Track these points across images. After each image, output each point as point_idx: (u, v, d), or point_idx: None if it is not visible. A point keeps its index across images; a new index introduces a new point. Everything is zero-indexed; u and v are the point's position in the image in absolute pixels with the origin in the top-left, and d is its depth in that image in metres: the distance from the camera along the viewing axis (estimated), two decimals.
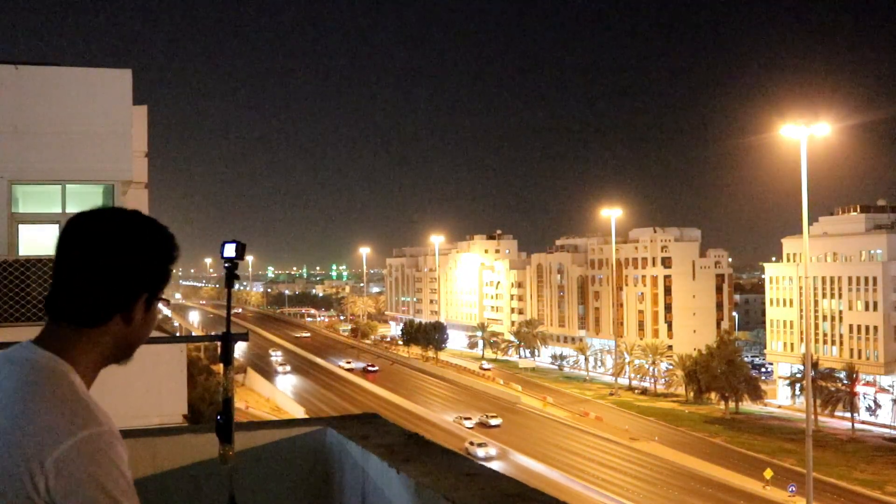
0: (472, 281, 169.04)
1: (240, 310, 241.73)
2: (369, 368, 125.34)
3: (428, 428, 77.74)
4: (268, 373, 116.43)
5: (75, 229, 1.93)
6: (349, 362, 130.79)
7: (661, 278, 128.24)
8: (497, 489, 3.10)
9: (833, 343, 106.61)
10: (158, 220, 2.04)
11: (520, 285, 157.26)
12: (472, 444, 71.18)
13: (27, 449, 1.68)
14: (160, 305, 2.06)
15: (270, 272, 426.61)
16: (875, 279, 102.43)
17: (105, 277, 1.90)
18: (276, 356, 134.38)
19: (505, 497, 3.01)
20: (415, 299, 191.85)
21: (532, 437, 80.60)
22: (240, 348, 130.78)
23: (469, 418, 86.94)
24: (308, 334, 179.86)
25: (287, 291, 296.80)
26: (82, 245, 1.90)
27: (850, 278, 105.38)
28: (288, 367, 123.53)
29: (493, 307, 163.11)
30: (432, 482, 3.20)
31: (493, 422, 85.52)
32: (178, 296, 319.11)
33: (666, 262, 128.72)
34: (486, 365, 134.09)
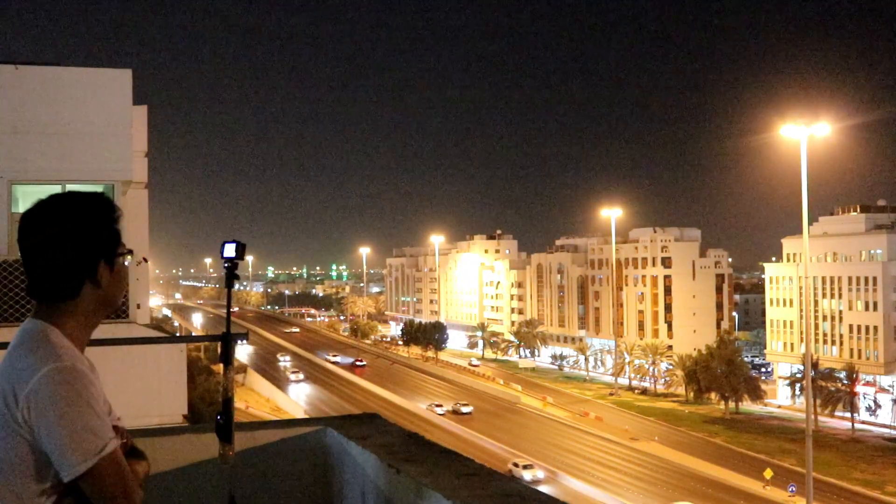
0: (472, 281, 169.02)
1: (236, 308, 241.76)
2: (357, 363, 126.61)
3: (428, 428, 77.72)
4: (278, 380, 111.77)
5: (23, 226, 2.24)
6: (335, 355, 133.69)
7: (661, 278, 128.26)
8: (497, 489, 3.10)
9: (833, 343, 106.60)
10: (112, 202, 2.33)
11: (520, 285, 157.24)
12: (516, 465, 65.97)
13: (7, 389, 2.11)
14: (126, 261, 2.35)
15: (270, 272, 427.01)
16: (875, 279, 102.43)
17: (59, 260, 2.22)
18: (285, 361, 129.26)
19: (505, 497, 3.01)
20: (415, 299, 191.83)
21: (532, 437, 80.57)
22: (245, 353, 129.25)
23: (441, 405, 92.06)
24: (297, 330, 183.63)
25: (287, 291, 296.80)
26: (31, 237, 2.23)
27: (850, 278, 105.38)
28: (301, 375, 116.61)
29: (493, 307, 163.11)
30: (432, 482, 3.20)
31: (465, 409, 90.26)
32: (177, 296, 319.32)
33: (666, 262, 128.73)
34: (474, 361, 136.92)
